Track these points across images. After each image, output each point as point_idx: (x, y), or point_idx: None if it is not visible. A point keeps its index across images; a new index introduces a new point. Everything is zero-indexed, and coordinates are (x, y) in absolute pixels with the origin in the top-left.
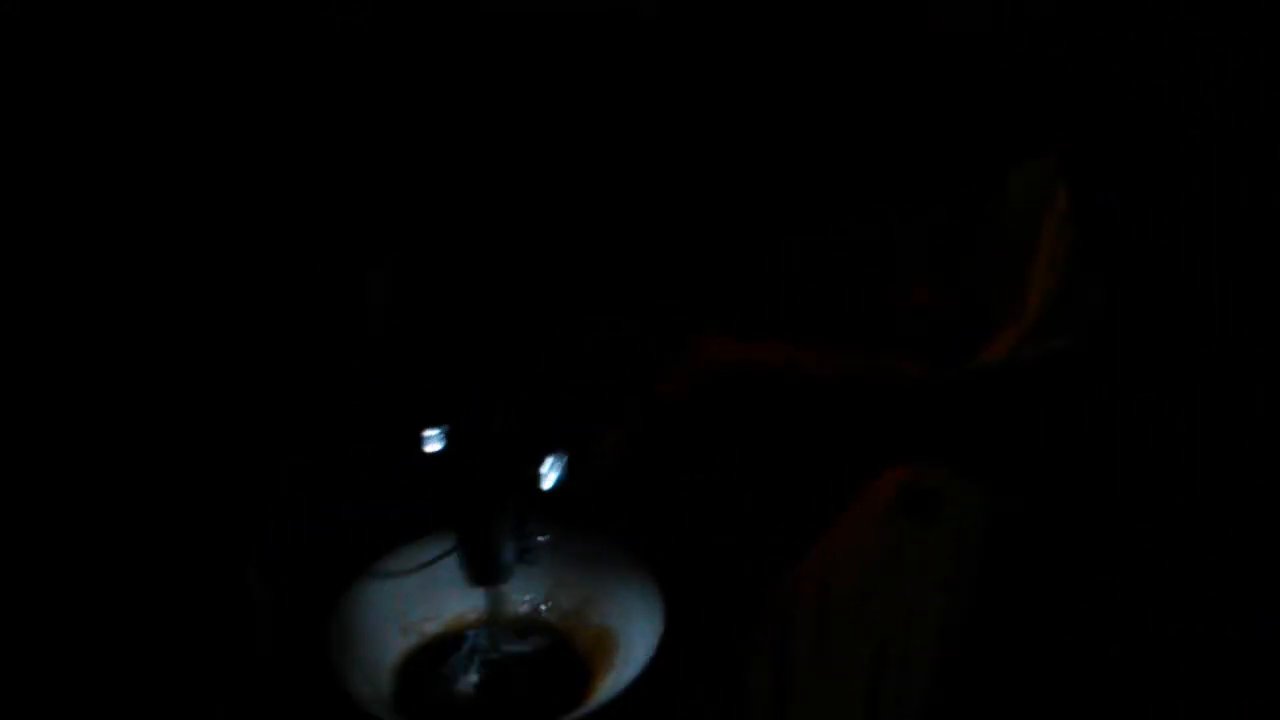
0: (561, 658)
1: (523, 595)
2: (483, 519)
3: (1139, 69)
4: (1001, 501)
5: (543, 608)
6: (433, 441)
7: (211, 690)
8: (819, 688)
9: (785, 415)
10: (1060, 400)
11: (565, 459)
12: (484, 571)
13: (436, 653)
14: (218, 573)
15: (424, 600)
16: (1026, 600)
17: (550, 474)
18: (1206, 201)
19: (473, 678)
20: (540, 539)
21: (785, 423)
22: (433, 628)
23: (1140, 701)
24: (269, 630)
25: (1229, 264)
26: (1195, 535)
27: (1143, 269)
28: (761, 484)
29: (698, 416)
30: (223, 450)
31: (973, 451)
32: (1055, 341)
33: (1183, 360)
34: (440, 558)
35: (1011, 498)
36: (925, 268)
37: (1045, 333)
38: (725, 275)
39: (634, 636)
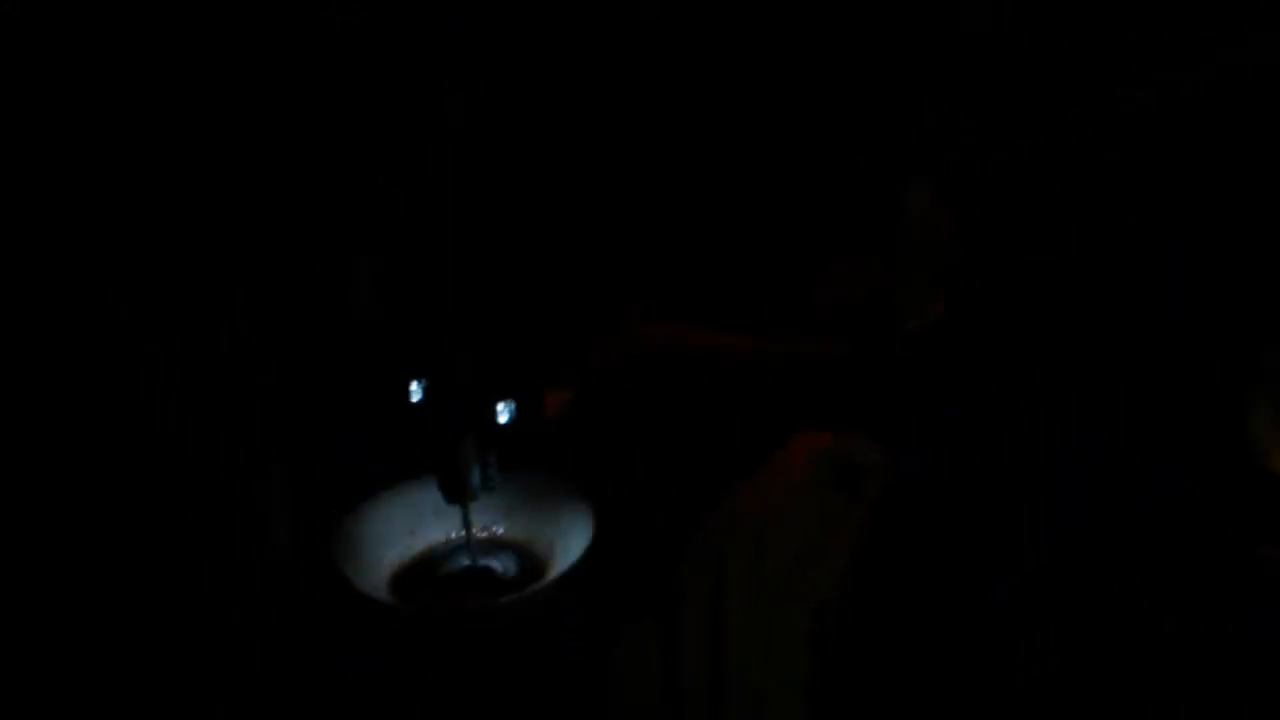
0: (519, 561)
1: (486, 519)
2: (453, 447)
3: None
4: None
5: (499, 529)
6: (416, 392)
7: (228, 596)
8: (755, 638)
9: (710, 390)
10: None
11: (514, 405)
12: (456, 490)
13: (423, 563)
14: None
15: (411, 523)
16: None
17: (503, 414)
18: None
19: (454, 568)
20: (496, 470)
21: (710, 396)
22: (418, 544)
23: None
24: (285, 539)
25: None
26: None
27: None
28: (685, 440)
29: (630, 387)
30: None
31: (883, 422)
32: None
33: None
34: None
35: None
36: (844, 264)
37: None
38: (661, 262)
39: (571, 543)
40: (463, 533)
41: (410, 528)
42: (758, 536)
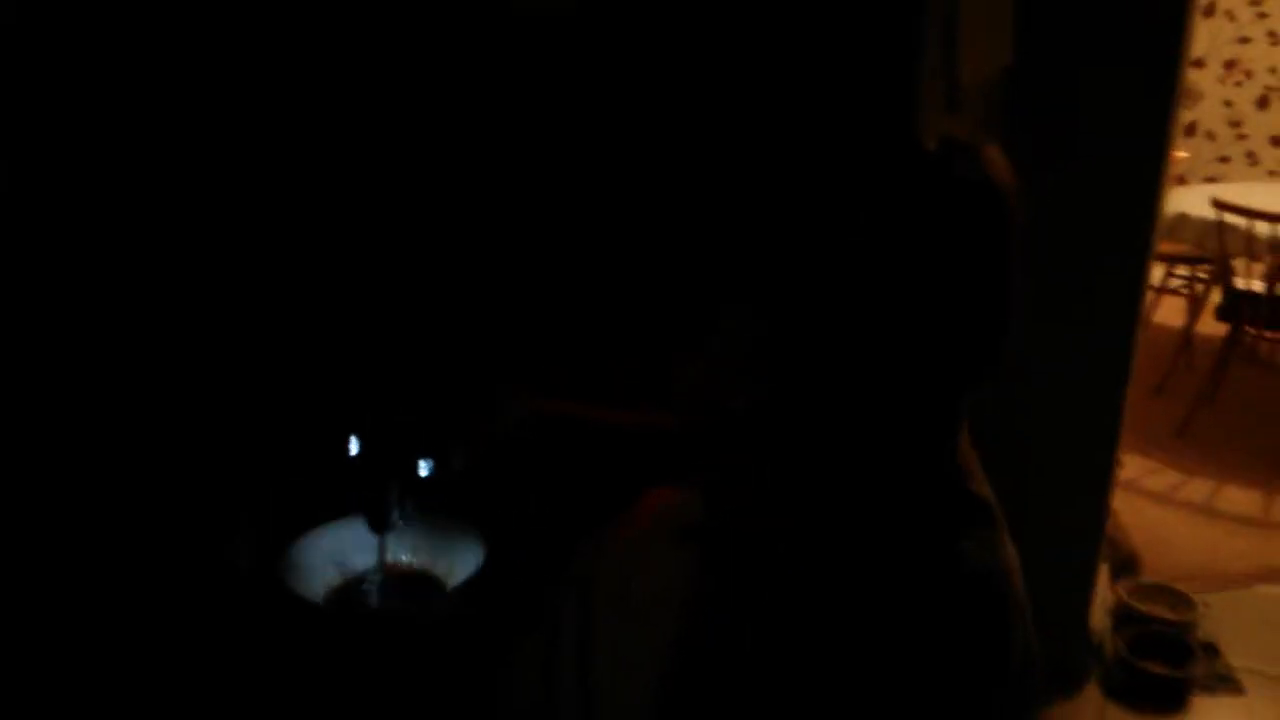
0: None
1: (398, 551)
2: (380, 489)
3: None
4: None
5: (406, 558)
6: (353, 446)
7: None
8: (620, 659)
9: (581, 446)
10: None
11: (430, 462)
12: (380, 522)
13: (349, 585)
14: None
15: (339, 555)
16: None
17: (424, 469)
18: None
19: (373, 588)
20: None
21: (580, 451)
22: (346, 570)
23: None
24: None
25: None
26: None
27: None
28: (561, 488)
29: (520, 447)
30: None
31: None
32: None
33: None
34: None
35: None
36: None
37: None
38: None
39: (466, 566)
40: (381, 561)
41: (338, 558)
42: (623, 572)
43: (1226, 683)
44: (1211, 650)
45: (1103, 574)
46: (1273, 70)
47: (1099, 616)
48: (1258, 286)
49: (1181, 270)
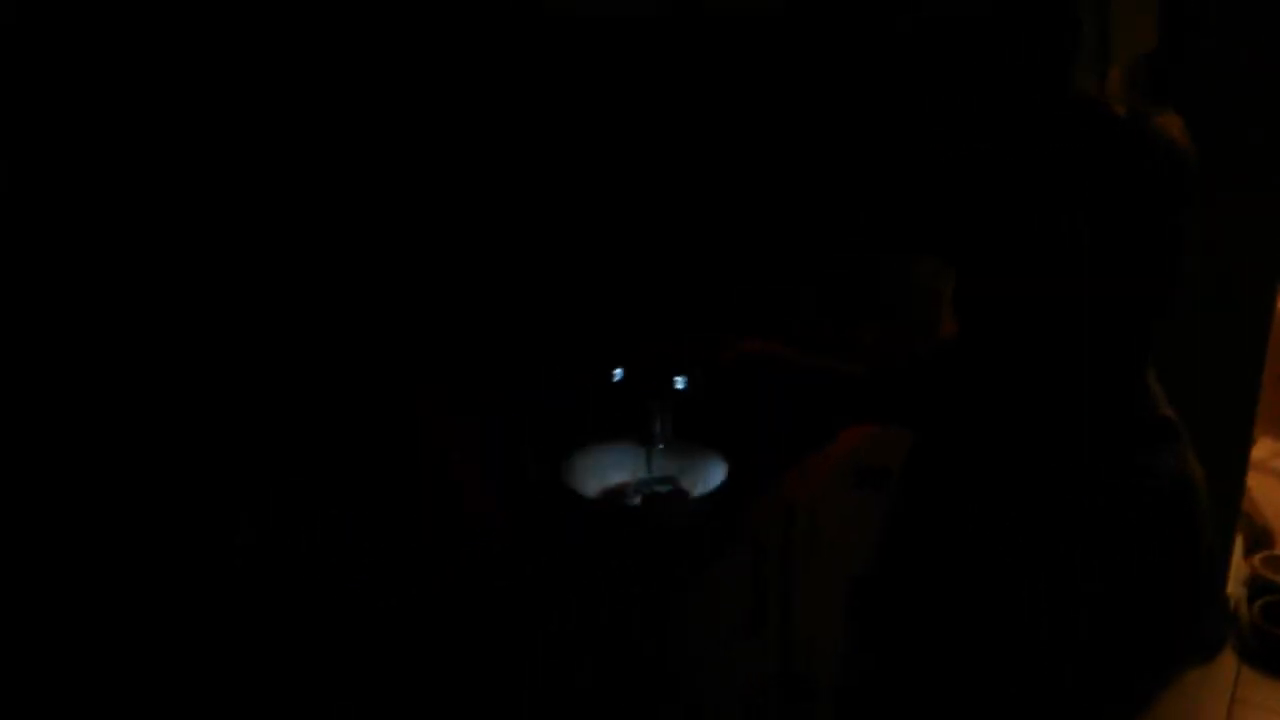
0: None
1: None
2: (647, 406)
3: None
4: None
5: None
6: (618, 375)
7: None
8: (813, 588)
9: (790, 390)
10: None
11: (684, 380)
12: (647, 438)
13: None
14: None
15: (610, 467)
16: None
17: (679, 383)
18: None
19: (637, 498)
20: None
21: (787, 394)
22: (609, 482)
23: None
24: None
25: None
26: None
27: None
28: (775, 422)
29: (739, 379)
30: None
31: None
32: None
33: None
34: None
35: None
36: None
37: None
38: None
39: (710, 482)
40: (641, 475)
41: (599, 475)
42: (817, 505)
43: None
44: None
45: (1237, 547)
46: None
47: (1234, 587)
48: None
49: None
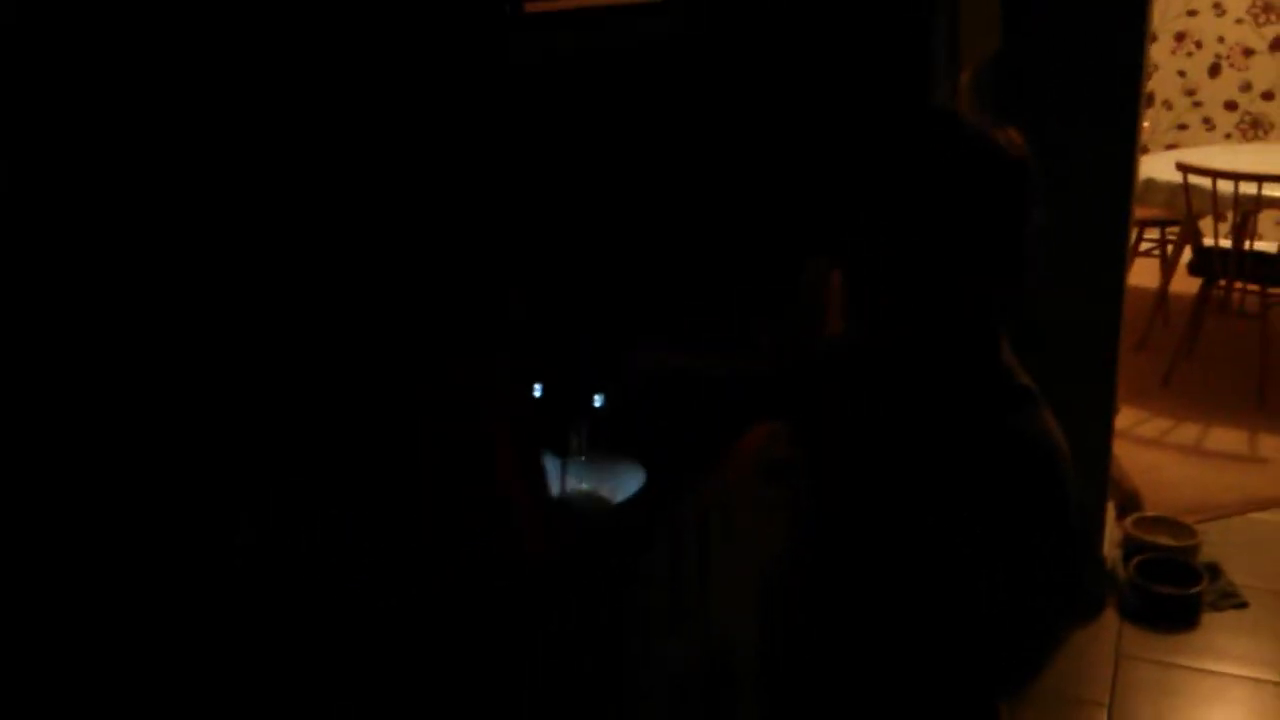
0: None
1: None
2: (564, 421)
3: None
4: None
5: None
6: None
7: None
8: (728, 574)
9: (697, 393)
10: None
11: (601, 397)
12: (561, 451)
13: None
14: None
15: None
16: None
17: (597, 401)
18: None
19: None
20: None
21: (696, 397)
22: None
23: None
24: None
25: None
26: None
27: None
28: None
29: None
30: None
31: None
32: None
33: None
34: None
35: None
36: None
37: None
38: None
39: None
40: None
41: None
42: (729, 502)
43: (1231, 599)
44: (1215, 571)
45: (1109, 512)
46: (1220, 39)
47: (1110, 549)
48: (1225, 242)
49: (1152, 233)
